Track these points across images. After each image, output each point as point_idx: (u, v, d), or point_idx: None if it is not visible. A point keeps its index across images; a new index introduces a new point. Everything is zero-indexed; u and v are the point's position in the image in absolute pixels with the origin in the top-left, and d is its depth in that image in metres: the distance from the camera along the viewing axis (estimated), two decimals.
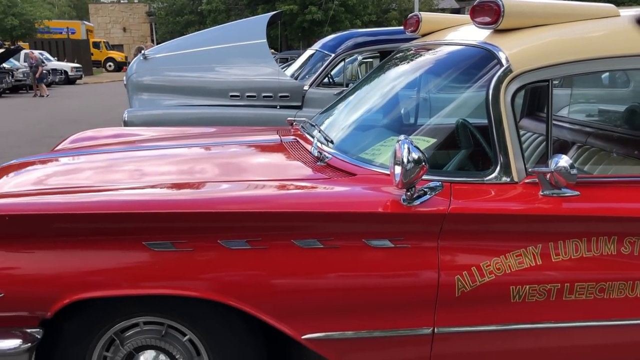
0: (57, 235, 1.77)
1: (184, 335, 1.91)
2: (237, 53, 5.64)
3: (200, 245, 1.77)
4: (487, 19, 2.03)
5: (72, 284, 1.74)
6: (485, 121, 1.95)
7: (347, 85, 5.44)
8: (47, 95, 19.86)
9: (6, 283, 1.71)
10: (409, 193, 1.78)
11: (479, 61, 2.09)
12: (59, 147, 3.16)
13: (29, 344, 1.73)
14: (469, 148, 2.12)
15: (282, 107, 5.31)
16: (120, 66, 38.28)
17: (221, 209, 1.80)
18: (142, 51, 5.78)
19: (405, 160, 1.67)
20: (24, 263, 1.78)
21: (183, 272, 1.77)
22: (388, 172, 1.83)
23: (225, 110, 5.29)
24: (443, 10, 30.58)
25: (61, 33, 38.40)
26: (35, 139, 10.13)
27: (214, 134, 3.27)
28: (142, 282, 1.77)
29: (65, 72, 27.45)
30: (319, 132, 2.38)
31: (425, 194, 1.80)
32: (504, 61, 1.93)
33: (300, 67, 6.31)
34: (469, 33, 2.33)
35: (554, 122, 2.15)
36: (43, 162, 2.66)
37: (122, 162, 2.57)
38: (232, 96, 5.43)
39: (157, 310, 1.87)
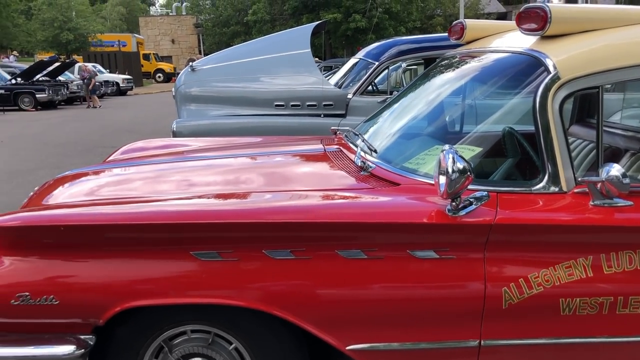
0: (108, 244, 1.82)
1: (230, 343, 1.93)
2: (282, 63, 5.71)
3: (245, 255, 1.80)
4: (534, 26, 2.00)
5: (123, 293, 1.79)
6: (533, 129, 1.91)
7: (391, 93, 5.42)
8: (100, 107, 20.55)
9: (61, 291, 1.78)
10: (454, 203, 1.76)
11: (525, 68, 2.05)
12: (111, 157, 3.27)
13: (83, 350, 1.79)
14: (516, 157, 2.08)
15: (326, 115, 5.34)
16: (169, 77, 39.26)
17: (265, 219, 1.82)
18: (190, 63, 5.92)
19: (449, 170, 1.65)
20: (78, 272, 1.84)
21: (229, 282, 1.80)
22: (432, 182, 1.81)
23: (270, 120, 5.35)
24: (489, 15, 30.10)
25: (113, 46, 39.73)
26: (88, 149, 10.50)
27: (259, 144, 3.31)
28: (189, 291, 1.80)
29: (117, 83, 28.37)
30: (363, 141, 2.38)
31: (470, 204, 1.78)
32: (551, 68, 1.89)
33: (344, 75, 6.33)
34: (515, 40, 2.30)
35: (605, 128, 2.09)
36: (96, 173, 2.76)
37: (170, 172, 2.64)
38: (277, 105, 5.50)
39: (204, 318, 1.90)
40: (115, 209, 1.96)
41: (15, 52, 39.77)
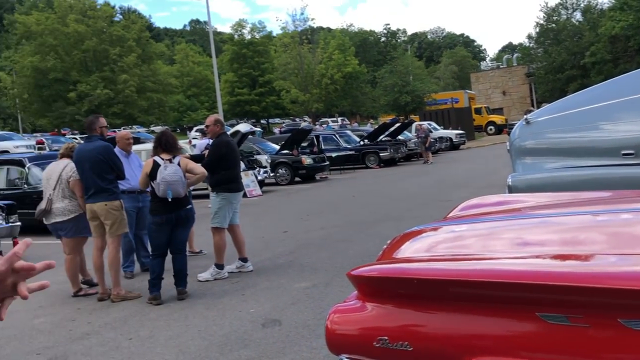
0: (455, 299, 1.94)
1: None
2: (630, 107, 5.19)
3: (597, 322, 1.69)
4: None
5: (467, 346, 1.87)
6: None
7: None
8: (433, 162, 21.79)
9: (415, 338, 1.96)
10: None
11: None
12: (451, 214, 3.45)
13: None
14: None
15: None
16: (500, 129, 39.31)
17: (621, 286, 1.68)
18: (525, 116, 5.87)
19: None
20: (427, 322, 2.00)
21: (578, 349, 1.71)
22: None
23: (617, 171, 4.88)
24: None
25: (446, 103, 41.96)
26: (426, 202, 11.21)
27: (604, 200, 3.07)
28: (534, 353, 1.77)
29: (450, 139, 29.69)
30: None
31: None
32: None
33: None
34: None
35: None
36: (436, 229, 2.96)
37: (508, 230, 2.65)
38: (624, 154, 4.99)
39: None
40: (462, 265, 2.07)
41: (372, 121, 45.66)
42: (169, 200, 5.57)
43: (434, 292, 1.98)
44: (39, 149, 26.54)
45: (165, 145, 5.80)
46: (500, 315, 1.84)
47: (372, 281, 2.12)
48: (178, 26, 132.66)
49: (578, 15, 43.59)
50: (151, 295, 5.67)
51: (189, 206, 5.90)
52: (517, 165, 5.69)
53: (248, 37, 56.70)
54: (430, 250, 2.54)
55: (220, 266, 6.52)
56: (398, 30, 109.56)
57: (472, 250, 2.36)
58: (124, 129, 33.76)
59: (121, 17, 50.30)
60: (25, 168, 10.60)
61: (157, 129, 54.76)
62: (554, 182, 5.02)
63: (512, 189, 5.08)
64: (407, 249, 2.62)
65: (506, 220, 2.83)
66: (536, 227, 2.61)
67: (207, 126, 6.97)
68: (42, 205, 6.09)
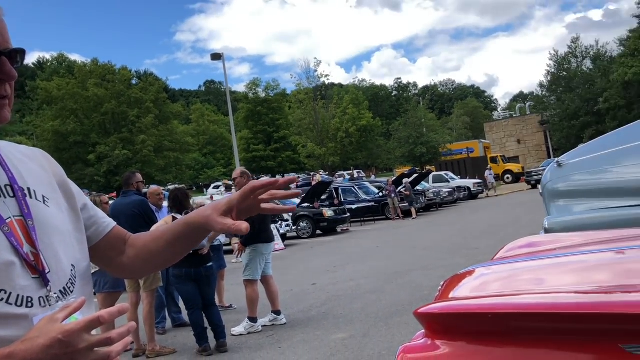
0: (528, 333, 1.91)
1: None
2: None
3: None
4: None
5: None
6: None
7: None
8: (399, 218, 21.56)
9: None
10: None
11: None
12: (498, 255, 3.43)
13: None
14: None
15: None
16: (517, 177, 39.10)
17: None
18: (556, 159, 5.89)
19: None
20: (502, 357, 1.97)
21: None
22: None
23: None
24: None
25: (461, 153, 42.04)
26: (453, 251, 11.09)
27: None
28: None
29: (468, 188, 29.55)
30: None
31: None
32: None
33: None
34: None
35: None
36: (489, 268, 2.94)
37: (561, 266, 2.63)
38: None
39: None
40: (544, 298, 2.05)
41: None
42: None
43: (509, 326, 1.95)
44: None
45: (174, 202, 5.80)
46: (581, 350, 1.81)
47: (444, 318, 2.09)
48: (193, 87, 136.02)
49: (588, 63, 44.10)
50: (201, 347, 5.60)
51: (209, 264, 5.80)
52: (550, 208, 5.66)
53: (262, 95, 57.87)
54: (500, 286, 2.49)
55: (253, 319, 6.45)
56: (409, 83, 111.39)
57: (546, 286, 2.34)
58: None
59: (138, 80, 51.69)
60: None
61: (173, 187, 55.38)
62: (591, 223, 4.97)
63: (549, 232, 5.04)
64: (468, 288, 2.59)
65: (565, 257, 2.81)
66: (601, 261, 2.58)
67: (234, 179, 7.04)
68: None
